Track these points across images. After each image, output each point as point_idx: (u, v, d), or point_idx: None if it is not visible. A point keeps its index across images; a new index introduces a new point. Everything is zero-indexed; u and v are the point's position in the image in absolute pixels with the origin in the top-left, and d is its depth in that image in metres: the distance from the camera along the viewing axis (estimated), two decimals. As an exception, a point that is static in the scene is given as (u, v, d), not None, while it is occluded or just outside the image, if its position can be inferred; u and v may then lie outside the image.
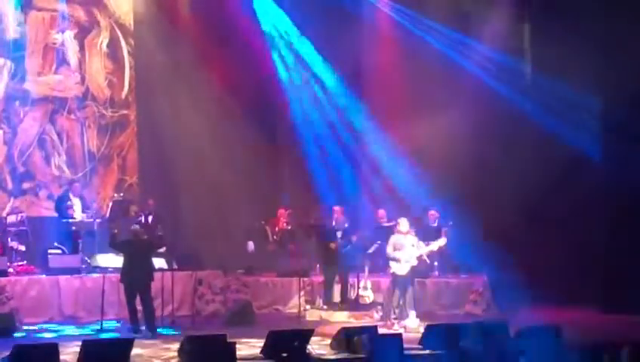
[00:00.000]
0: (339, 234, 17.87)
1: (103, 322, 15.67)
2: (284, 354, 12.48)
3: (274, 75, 21.10)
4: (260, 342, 12.78)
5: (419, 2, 20.36)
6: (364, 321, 16.49)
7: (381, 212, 19.25)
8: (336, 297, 17.80)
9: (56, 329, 15.65)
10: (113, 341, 12.97)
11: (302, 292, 17.34)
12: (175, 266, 16.61)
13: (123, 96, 20.63)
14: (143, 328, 15.12)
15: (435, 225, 18.76)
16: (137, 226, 16.10)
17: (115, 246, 15.78)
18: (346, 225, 18.04)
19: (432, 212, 18.99)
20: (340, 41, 20.64)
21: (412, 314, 16.11)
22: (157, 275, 15.86)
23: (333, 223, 18.16)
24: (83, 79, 20.23)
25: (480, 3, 19.94)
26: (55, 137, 19.92)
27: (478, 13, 20.01)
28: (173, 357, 12.76)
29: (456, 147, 19.63)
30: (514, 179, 19.18)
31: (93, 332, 15.26)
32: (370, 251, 18.07)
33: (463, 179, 19.64)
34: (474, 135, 19.60)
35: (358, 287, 17.64)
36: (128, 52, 20.63)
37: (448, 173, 19.64)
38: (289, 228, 19.55)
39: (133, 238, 15.56)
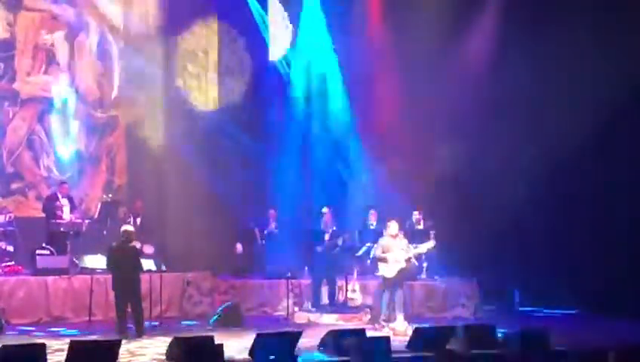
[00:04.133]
0: (327, 236, 17.87)
1: (91, 323, 15.63)
2: (272, 356, 12.47)
3: (267, 70, 21.09)
4: (248, 344, 12.77)
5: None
6: (353, 324, 16.50)
7: (372, 213, 19.28)
8: (325, 299, 17.80)
9: (43, 329, 15.59)
10: (101, 342, 12.91)
11: (290, 295, 17.32)
12: (163, 268, 16.59)
13: (112, 97, 20.60)
14: (131, 329, 15.08)
15: (422, 227, 18.78)
16: (129, 226, 15.96)
17: (109, 264, 15.58)
18: (334, 228, 18.03)
19: (416, 213, 19.01)
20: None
21: (400, 316, 16.09)
22: (145, 277, 15.84)
23: (322, 225, 18.15)
24: (72, 80, 20.20)
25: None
26: (44, 138, 19.88)
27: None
28: (160, 359, 12.75)
29: (447, 151, 19.69)
30: (504, 184, 19.22)
31: (80, 333, 15.21)
32: (359, 253, 18.09)
33: (454, 183, 19.70)
34: (466, 140, 19.67)
35: (347, 290, 17.64)
36: (118, 53, 20.60)
37: (439, 177, 19.70)
38: (277, 230, 19.57)
39: (121, 250, 15.36)
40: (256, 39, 21.22)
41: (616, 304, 17.54)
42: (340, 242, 17.72)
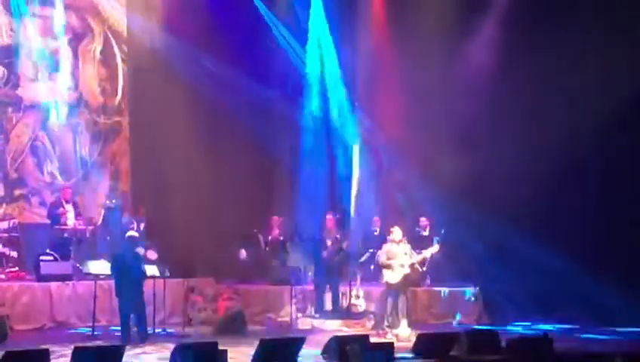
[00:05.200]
0: (329, 242, 17.86)
1: (95, 328, 15.64)
2: (276, 362, 12.49)
3: (269, 79, 21.07)
4: (252, 350, 12.76)
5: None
6: (356, 330, 16.48)
7: (376, 219, 19.27)
8: (328, 305, 17.79)
9: (47, 335, 15.58)
10: (105, 347, 12.93)
11: (294, 301, 17.32)
12: (167, 274, 16.59)
13: (116, 102, 20.62)
14: (135, 335, 15.08)
15: (427, 233, 18.75)
16: (134, 233, 15.98)
17: (112, 270, 15.60)
18: (338, 235, 18.01)
19: (423, 219, 18.99)
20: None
21: (404, 323, 16.08)
22: (149, 282, 15.84)
23: (324, 232, 18.13)
24: (76, 86, 20.23)
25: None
26: (47, 144, 19.89)
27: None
28: (164, 365, 12.77)
29: (449, 157, 19.68)
30: (507, 190, 19.20)
31: (84, 339, 15.21)
32: (362, 260, 18.08)
33: (457, 190, 19.68)
34: (469, 145, 19.66)
35: (350, 296, 17.63)
36: (122, 59, 20.63)
37: (442, 183, 19.69)
38: (281, 236, 19.55)
39: (125, 256, 15.38)
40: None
41: (618, 311, 17.52)
42: (344, 247, 17.74)
